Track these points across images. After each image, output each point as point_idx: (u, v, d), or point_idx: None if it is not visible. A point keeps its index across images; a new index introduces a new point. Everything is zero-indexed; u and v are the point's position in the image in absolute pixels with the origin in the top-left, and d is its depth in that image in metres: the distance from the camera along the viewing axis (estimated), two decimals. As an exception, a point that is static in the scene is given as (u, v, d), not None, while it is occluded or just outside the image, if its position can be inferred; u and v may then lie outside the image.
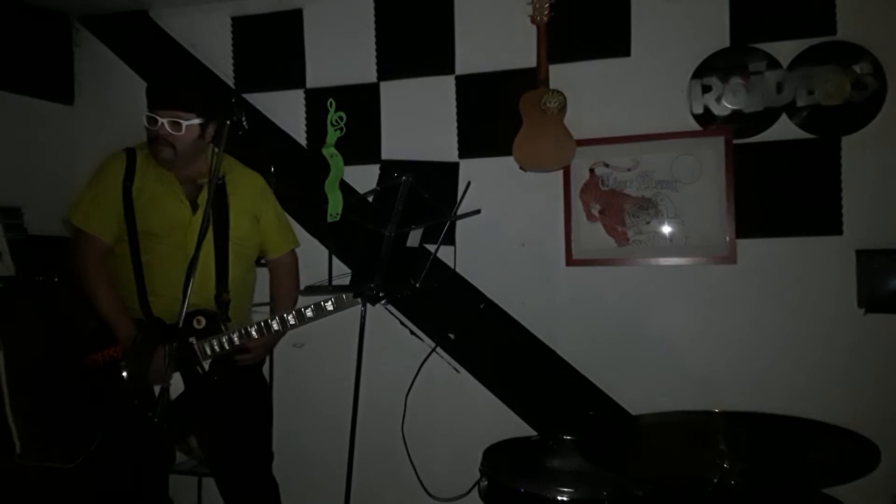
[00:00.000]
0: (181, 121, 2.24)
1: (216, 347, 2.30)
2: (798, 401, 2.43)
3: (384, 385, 2.92)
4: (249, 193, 2.46)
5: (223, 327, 2.31)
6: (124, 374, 2.22)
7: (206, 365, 2.29)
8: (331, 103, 2.10)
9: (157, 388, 2.19)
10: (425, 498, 2.91)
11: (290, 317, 2.33)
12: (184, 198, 2.33)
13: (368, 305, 2.48)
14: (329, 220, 2.15)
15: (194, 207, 2.34)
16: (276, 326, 2.33)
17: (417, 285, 2.30)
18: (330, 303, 2.30)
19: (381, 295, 2.45)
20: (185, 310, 2.02)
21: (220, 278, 2.34)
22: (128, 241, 2.30)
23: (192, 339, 2.28)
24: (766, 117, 2.66)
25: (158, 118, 2.23)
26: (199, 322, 2.30)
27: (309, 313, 2.31)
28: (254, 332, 2.31)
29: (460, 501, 2.83)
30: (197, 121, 2.26)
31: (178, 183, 2.34)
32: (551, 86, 2.72)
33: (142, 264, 2.29)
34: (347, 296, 2.32)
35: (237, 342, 2.31)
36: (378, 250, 2.18)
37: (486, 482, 2.29)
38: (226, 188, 2.38)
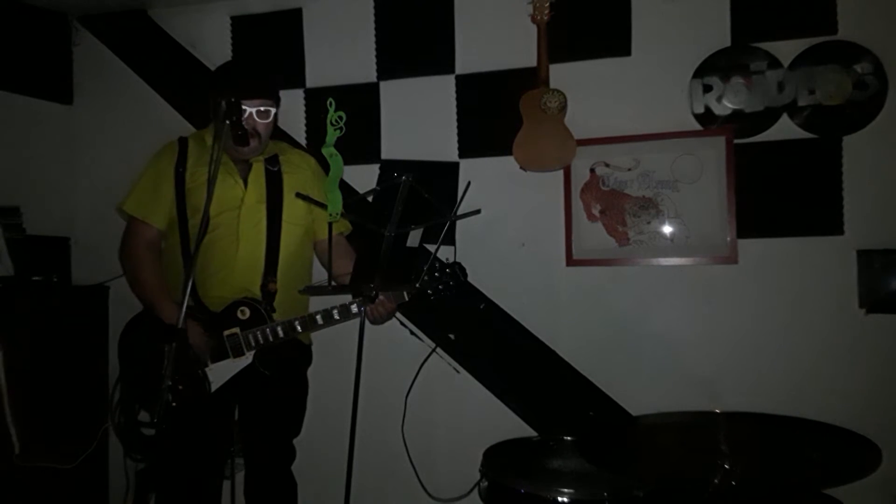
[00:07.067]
0: (271, 108, 2.31)
1: (260, 339, 2.29)
2: (799, 401, 2.43)
3: (384, 385, 2.91)
4: (303, 173, 2.48)
5: (268, 318, 2.31)
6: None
7: (251, 356, 2.30)
8: (330, 103, 2.09)
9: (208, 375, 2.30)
10: (425, 498, 2.90)
11: (335, 312, 2.31)
12: (238, 177, 2.37)
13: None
14: (328, 220, 2.15)
15: (246, 185, 2.38)
16: (319, 321, 2.32)
17: (417, 285, 2.30)
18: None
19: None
20: (185, 304, 1.93)
21: (269, 266, 2.35)
22: (178, 228, 2.34)
23: (236, 330, 2.29)
24: (767, 117, 2.65)
25: (248, 108, 2.24)
26: (242, 313, 2.30)
27: (354, 309, 2.30)
28: (298, 326, 2.31)
29: (460, 502, 2.82)
30: (276, 108, 2.35)
31: (232, 163, 2.37)
32: (552, 85, 2.71)
33: (190, 251, 2.28)
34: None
35: (281, 334, 2.30)
36: (378, 250, 2.18)
37: (486, 483, 2.29)
38: (281, 169, 2.42)
